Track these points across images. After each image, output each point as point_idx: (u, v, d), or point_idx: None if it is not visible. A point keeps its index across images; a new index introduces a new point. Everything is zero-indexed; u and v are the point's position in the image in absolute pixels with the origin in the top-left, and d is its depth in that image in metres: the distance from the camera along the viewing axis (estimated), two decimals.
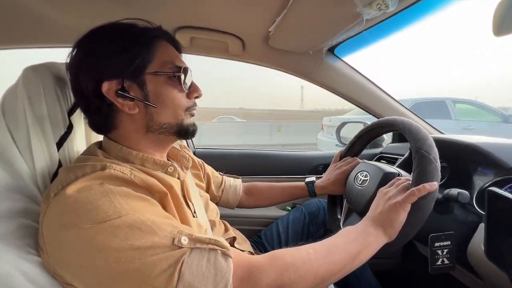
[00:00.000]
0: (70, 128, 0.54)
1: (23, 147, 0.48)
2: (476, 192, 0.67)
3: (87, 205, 0.37)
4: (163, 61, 0.49)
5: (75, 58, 0.48)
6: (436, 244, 0.60)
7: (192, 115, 0.54)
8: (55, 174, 0.51)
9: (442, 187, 0.61)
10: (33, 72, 0.52)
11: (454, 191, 0.58)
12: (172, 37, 0.54)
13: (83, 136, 0.61)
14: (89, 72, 0.46)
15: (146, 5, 0.71)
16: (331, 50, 0.95)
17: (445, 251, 0.60)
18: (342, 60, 0.99)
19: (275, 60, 0.97)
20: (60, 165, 0.52)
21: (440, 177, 0.54)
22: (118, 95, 0.46)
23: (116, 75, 0.46)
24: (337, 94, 1.05)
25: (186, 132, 0.53)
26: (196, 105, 0.55)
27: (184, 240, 0.38)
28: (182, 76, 0.50)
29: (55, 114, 0.52)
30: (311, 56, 0.92)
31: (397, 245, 0.55)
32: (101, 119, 0.49)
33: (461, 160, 0.76)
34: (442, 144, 0.81)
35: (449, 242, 0.60)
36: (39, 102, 0.50)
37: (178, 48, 0.55)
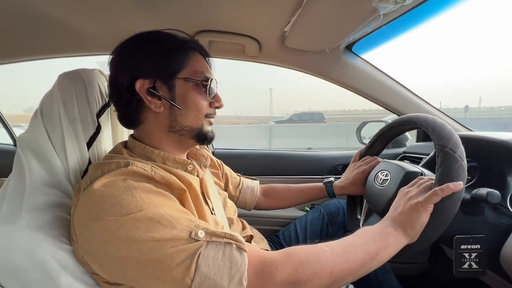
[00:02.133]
0: (98, 129, 0.59)
1: (58, 146, 0.53)
2: (511, 193, 0.63)
3: (111, 199, 0.40)
4: (194, 70, 0.54)
5: (118, 55, 0.54)
6: (463, 247, 0.57)
7: (211, 123, 0.58)
8: (85, 171, 0.55)
9: (471, 188, 0.58)
10: (66, 78, 0.57)
11: (483, 190, 0.55)
12: (204, 50, 0.59)
13: (109, 136, 0.66)
14: (128, 69, 0.52)
15: (168, 12, 0.75)
16: (349, 47, 0.93)
17: (474, 255, 0.56)
18: (360, 57, 0.97)
19: (291, 60, 0.98)
20: (89, 162, 0.57)
21: (466, 177, 0.51)
22: (148, 93, 0.51)
23: (151, 75, 0.51)
24: (356, 93, 1.02)
25: (205, 138, 0.57)
26: (215, 114, 0.59)
27: (201, 234, 0.40)
28: (208, 85, 0.54)
29: (85, 116, 0.56)
30: (328, 54, 0.91)
31: (419, 247, 0.53)
32: (130, 112, 0.54)
33: (493, 159, 0.71)
34: (472, 142, 0.76)
35: (478, 246, 0.56)
36: (72, 106, 0.55)
37: (209, 62, 0.60)
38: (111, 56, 0.55)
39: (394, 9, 0.50)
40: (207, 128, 0.57)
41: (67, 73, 0.58)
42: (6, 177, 0.53)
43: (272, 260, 0.42)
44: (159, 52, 0.52)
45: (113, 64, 0.54)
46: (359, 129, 1.43)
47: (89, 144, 0.57)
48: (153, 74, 0.51)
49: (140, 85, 0.51)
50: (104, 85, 0.62)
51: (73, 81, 0.57)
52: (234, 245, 0.41)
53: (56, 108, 0.54)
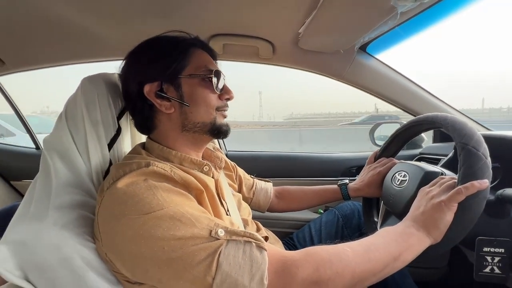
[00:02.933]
0: (119, 131, 0.61)
1: (82, 148, 0.55)
2: None
3: (134, 198, 0.42)
4: (197, 65, 0.55)
5: (125, 66, 0.57)
6: (485, 249, 0.55)
7: (224, 116, 0.59)
8: (106, 171, 0.57)
9: (494, 189, 0.56)
10: (89, 82, 0.59)
11: (509, 191, 0.53)
12: (207, 45, 0.60)
13: (128, 139, 0.68)
14: (134, 76, 0.54)
15: (182, 17, 0.77)
16: (363, 48, 0.93)
17: (497, 259, 0.54)
18: (375, 57, 0.96)
19: (305, 62, 0.98)
20: (110, 163, 0.58)
21: (491, 174, 0.50)
22: (157, 96, 0.53)
23: (155, 78, 0.53)
24: (370, 93, 1.01)
25: (219, 131, 0.57)
26: (227, 107, 0.59)
27: (221, 232, 0.41)
28: (214, 79, 0.55)
29: (107, 119, 0.58)
30: (342, 55, 0.90)
31: (443, 248, 0.51)
32: (144, 119, 0.56)
33: None
34: (494, 142, 0.73)
35: (502, 250, 0.54)
36: (94, 109, 0.57)
37: (213, 55, 0.61)
38: (120, 68, 0.58)
39: (412, 7, 0.49)
40: (221, 121, 0.57)
41: (90, 77, 0.60)
42: (30, 179, 0.56)
43: (292, 259, 0.42)
44: (160, 55, 0.54)
45: (122, 76, 0.58)
46: (372, 131, 1.41)
47: (110, 145, 0.59)
48: (157, 77, 0.53)
49: (149, 90, 0.53)
50: None
51: (96, 85, 0.59)
52: (254, 243, 0.41)
53: (80, 111, 0.56)
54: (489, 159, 0.51)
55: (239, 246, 0.41)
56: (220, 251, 0.39)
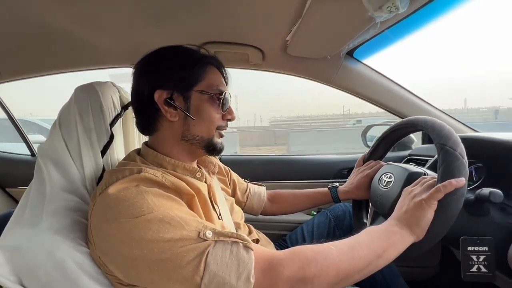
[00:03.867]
0: (111, 137, 0.62)
1: (75, 155, 0.57)
2: None
3: (125, 202, 0.43)
4: (210, 83, 0.57)
5: (142, 67, 0.58)
6: (470, 248, 0.57)
7: (221, 136, 0.61)
8: (100, 177, 0.58)
9: (478, 189, 0.58)
10: (82, 91, 0.61)
11: (486, 190, 0.55)
12: (221, 65, 0.63)
13: (121, 145, 0.69)
14: (149, 80, 0.56)
15: (175, 25, 0.79)
16: (350, 53, 0.96)
17: (482, 257, 0.56)
18: (362, 62, 0.99)
19: (294, 67, 1.00)
20: (104, 170, 0.60)
21: (468, 173, 0.52)
22: (165, 103, 0.54)
23: (169, 86, 0.55)
24: (359, 97, 1.04)
25: (214, 148, 0.59)
26: (227, 127, 0.62)
27: (209, 234, 0.42)
28: (222, 99, 0.57)
29: (100, 126, 0.60)
30: (329, 61, 0.93)
31: (427, 246, 0.53)
32: (147, 119, 0.58)
33: (499, 160, 0.71)
34: (477, 143, 0.76)
35: (486, 248, 0.56)
36: (87, 117, 0.59)
37: (225, 77, 0.63)
38: (135, 67, 0.59)
39: (389, 17, 0.52)
40: (217, 139, 0.59)
41: (83, 86, 0.62)
42: (26, 186, 0.57)
43: (278, 258, 0.44)
44: (179, 66, 0.56)
45: (136, 74, 0.58)
46: (364, 133, 1.44)
47: (103, 152, 0.61)
48: (171, 86, 0.55)
49: (159, 96, 0.54)
50: (116, 96, 0.66)
51: (89, 93, 0.61)
52: (241, 244, 0.43)
53: (73, 119, 0.58)
54: (465, 158, 0.53)
55: (226, 246, 0.42)
56: (208, 252, 0.41)
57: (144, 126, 0.59)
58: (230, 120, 0.61)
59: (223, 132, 0.61)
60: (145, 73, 0.57)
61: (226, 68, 0.64)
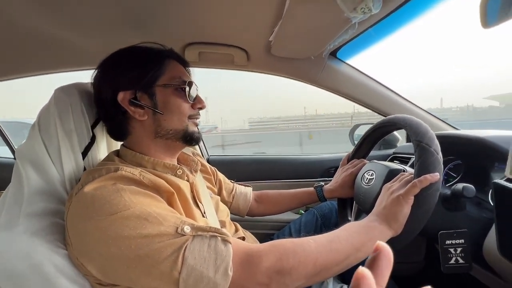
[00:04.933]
0: (93, 139, 0.62)
1: (55, 157, 0.56)
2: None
3: (101, 200, 0.43)
4: (172, 76, 0.57)
5: (99, 73, 0.58)
6: (448, 242, 0.58)
7: (196, 124, 0.61)
8: (80, 179, 0.58)
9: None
10: (62, 92, 0.60)
11: (460, 185, 0.57)
12: (181, 58, 0.63)
13: (104, 146, 0.69)
14: (109, 83, 0.56)
15: (157, 26, 0.79)
16: (334, 53, 0.97)
17: (459, 250, 0.58)
18: (345, 62, 1.00)
19: (278, 68, 1.01)
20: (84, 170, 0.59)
21: (442, 169, 0.54)
22: (130, 104, 0.54)
23: (130, 86, 0.55)
24: (343, 97, 1.06)
25: (191, 138, 0.59)
26: (199, 115, 0.62)
27: (187, 229, 0.42)
28: (187, 88, 0.57)
29: (81, 128, 0.59)
30: (313, 61, 0.94)
31: (405, 240, 0.55)
32: (117, 125, 0.58)
33: (476, 156, 0.74)
34: (455, 140, 0.79)
35: (462, 241, 0.58)
36: (67, 118, 0.58)
37: (187, 67, 0.63)
38: (93, 76, 0.59)
39: (365, 18, 0.54)
40: (193, 128, 0.59)
41: (63, 88, 0.61)
42: None
43: (257, 250, 0.44)
44: (136, 64, 0.56)
45: (95, 83, 0.58)
46: (351, 132, 1.46)
47: (84, 153, 0.60)
48: (132, 85, 0.55)
49: (122, 97, 0.54)
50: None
51: (69, 95, 0.60)
52: (219, 237, 0.43)
53: (53, 121, 0.57)
54: (440, 154, 0.55)
55: (204, 240, 0.42)
56: (186, 246, 0.41)
57: (116, 132, 0.59)
58: (200, 108, 0.61)
59: (197, 120, 0.61)
60: (104, 78, 0.57)
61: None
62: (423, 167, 0.53)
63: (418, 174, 0.53)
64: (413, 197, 0.53)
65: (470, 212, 0.61)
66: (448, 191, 0.60)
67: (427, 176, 0.52)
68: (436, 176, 0.52)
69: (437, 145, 0.55)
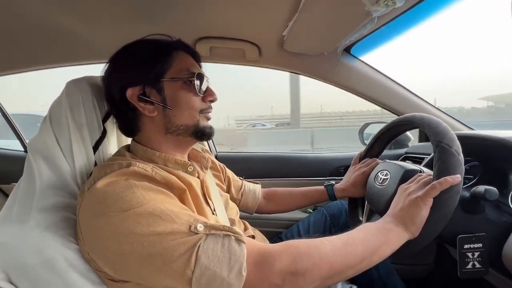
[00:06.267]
0: (104, 133, 0.61)
1: (66, 150, 0.56)
2: None
3: (114, 196, 0.42)
4: (180, 68, 0.56)
5: (107, 71, 0.57)
6: (466, 246, 0.57)
7: (208, 118, 0.59)
8: (91, 173, 0.57)
9: (473, 187, 0.58)
10: (74, 85, 0.60)
11: (481, 188, 0.55)
12: (190, 48, 0.61)
13: (115, 140, 0.68)
14: (117, 81, 0.55)
15: (169, 20, 0.78)
16: (347, 50, 0.95)
17: (476, 254, 0.56)
18: (359, 59, 0.98)
19: (290, 64, 0.99)
20: (95, 165, 0.59)
21: (463, 170, 0.52)
22: (139, 100, 0.53)
23: (138, 81, 0.53)
24: (355, 94, 1.04)
25: (202, 134, 0.57)
26: (211, 108, 0.60)
27: (200, 227, 0.42)
28: (197, 81, 0.56)
29: (92, 122, 0.59)
30: (326, 57, 0.92)
31: (422, 243, 0.53)
32: (127, 122, 0.57)
33: (494, 158, 0.71)
34: (472, 141, 0.76)
35: (480, 245, 0.56)
36: (78, 112, 0.58)
37: (197, 58, 0.61)
38: (103, 72, 0.58)
39: (386, 11, 0.51)
40: (204, 123, 0.58)
41: (74, 81, 0.60)
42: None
43: (270, 251, 0.43)
44: (142, 59, 0.54)
45: (104, 80, 0.58)
46: (361, 131, 1.44)
47: (95, 147, 0.60)
48: (140, 80, 0.53)
49: (131, 94, 0.53)
50: None
51: (80, 88, 0.59)
52: (232, 237, 0.42)
53: (64, 114, 0.57)
54: (461, 155, 0.53)
55: (218, 239, 0.41)
56: (199, 245, 0.40)
57: (126, 128, 0.59)
58: (212, 101, 0.59)
59: (209, 114, 0.59)
60: (113, 74, 0.56)
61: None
62: (443, 169, 0.51)
63: (438, 175, 0.51)
64: (431, 200, 0.51)
65: (489, 215, 0.59)
66: (466, 193, 0.58)
67: (448, 178, 0.50)
68: (458, 178, 0.50)
69: (458, 146, 0.53)
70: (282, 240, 0.92)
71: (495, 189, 0.53)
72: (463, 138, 0.55)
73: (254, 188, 0.89)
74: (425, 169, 0.65)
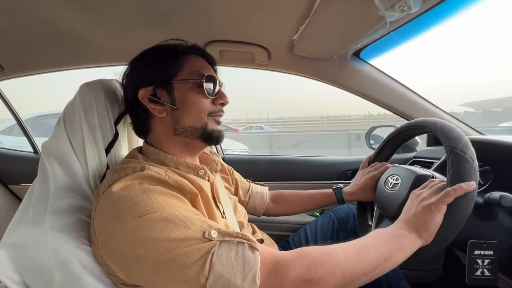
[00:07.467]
0: (116, 135, 0.62)
1: (79, 153, 0.56)
2: None
3: (129, 201, 0.43)
4: (191, 70, 0.56)
5: (125, 72, 0.60)
6: (476, 252, 0.56)
7: (218, 122, 0.59)
8: (104, 176, 0.58)
9: (485, 192, 0.57)
10: (87, 88, 0.60)
11: (497, 194, 0.54)
12: (203, 51, 0.61)
13: (126, 143, 0.69)
14: (131, 82, 0.57)
15: (179, 24, 0.78)
16: (357, 54, 0.95)
17: (486, 261, 0.55)
18: (368, 63, 0.97)
19: (299, 67, 1.00)
20: (108, 167, 0.59)
21: (478, 177, 0.51)
22: (150, 100, 0.55)
23: (149, 82, 0.55)
24: (364, 98, 1.03)
25: (210, 137, 0.57)
26: (221, 112, 0.59)
27: (214, 234, 0.42)
28: (207, 84, 0.56)
29: (104, 124, 0.59)
30: (336, 61, 0.92)
31: (435, 250, 0.52)
32: (140, 122, 0.58)
33: (506, 163, 0.70)
34: (484, 146, 0.75)
35: (491, 252, 0.55)
36: (92, 114, 0.58)
37: (210, 61, 0.62)
38: (121, 76, 0.60)
39: (400, 17, 0.51)
40: (213, 126, 0.57)
41: (88, 84, 0.61)
42: (29, 183, 0.57)
43: (284, 259, 0.43)
44: (154, 61, 0.56)
45: (122, 81, 0.60)
46: (368, 134, 1.43)
47: (108, 150, 0.60)
48: (151, 82, 0.55)
49: (143, 94, 0.54)
50: (121, 93, 0.65)
51: (93, 91, 0.60)
52: (246, 244, 0.42)
53: (78, 117, 0.57)
54: (476, 162, 0.52)
55: (231, 246, 0.41)
56: (213, 252, 0.40)
57: (139, 128, 0.60)
58: (223, 104, 0.59)
59: (219, 118, 0.59)
60: (128, 77, 0.59)
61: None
62: (457, 175, 0.51)
63: (452, 182, 0.51)
64: (445, 206, 0.50)
65: (503, 222, 0.58)
66: (479, 199, 0.57)
67: (463, 185, 0.49)
68: (472, 185, 0.49)
69: (472, 152, 0.53)
70: (289, 244, 0.92)
71: (510, 195, 0.53)
72: (474, 143, 0.54)
73: (262, 190, 0.88)
74: (437, 175, 0.65)
